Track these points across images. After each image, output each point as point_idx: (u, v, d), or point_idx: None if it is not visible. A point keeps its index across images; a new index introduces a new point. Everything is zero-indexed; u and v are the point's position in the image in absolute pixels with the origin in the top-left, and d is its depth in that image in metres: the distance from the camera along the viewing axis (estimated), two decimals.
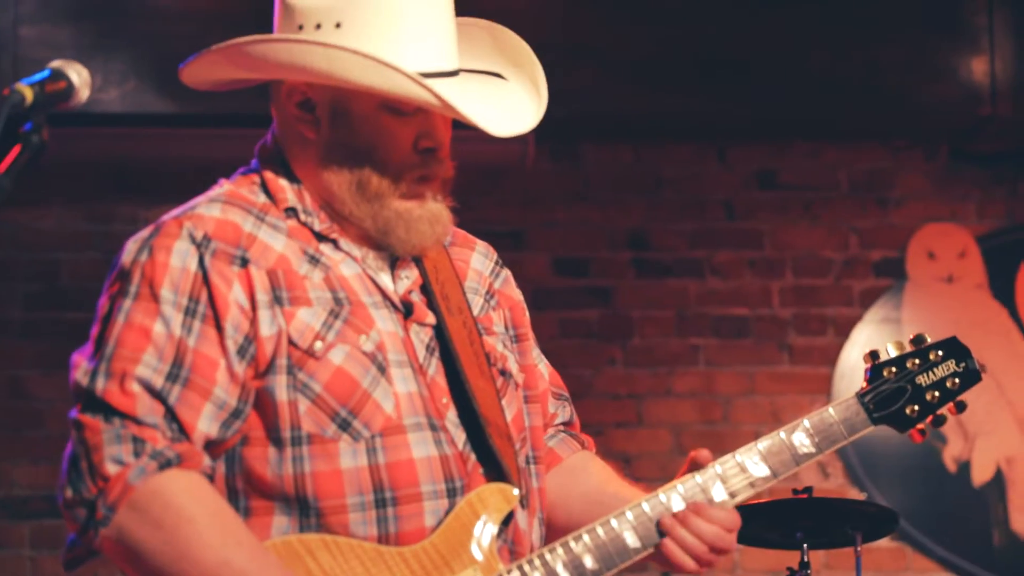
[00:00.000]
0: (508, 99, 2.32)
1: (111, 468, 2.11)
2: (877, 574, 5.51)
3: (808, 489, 4.34)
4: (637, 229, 5.80)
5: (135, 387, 2.15)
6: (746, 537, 4.64)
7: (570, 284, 5.72)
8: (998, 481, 5.57)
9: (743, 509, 4.47)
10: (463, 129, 2.35)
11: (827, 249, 5.77)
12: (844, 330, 5.70)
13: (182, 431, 2.16)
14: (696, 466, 2.35)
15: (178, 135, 5.49)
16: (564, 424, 2.61)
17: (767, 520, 4.34)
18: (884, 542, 5.54)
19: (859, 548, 4.37)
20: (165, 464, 2.12)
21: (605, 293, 5.78)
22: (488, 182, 5.55)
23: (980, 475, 5.59)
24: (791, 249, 5.77)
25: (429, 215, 2.30)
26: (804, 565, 4.29)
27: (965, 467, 5.59)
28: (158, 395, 2.15)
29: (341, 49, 2.20)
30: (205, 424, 2.17)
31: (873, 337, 5.64)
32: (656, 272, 5.78)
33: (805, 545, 4.29)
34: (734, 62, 5.33)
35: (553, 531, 2.41)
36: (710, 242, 5.78)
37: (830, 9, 5.38)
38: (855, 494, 5.53)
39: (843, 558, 5.17)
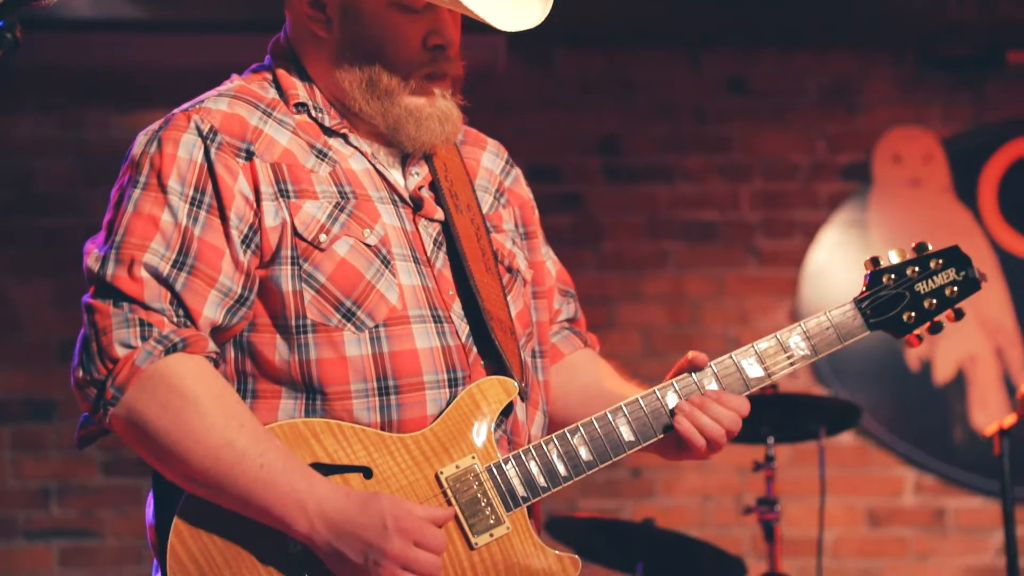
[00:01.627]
0: None
1: (119, 351, 2.19)
2: (841, 469, 5.65)
3: (773, 385, 4.45)
4: (608, 134, 5.84)
5: (143, 273, 2.21)
6: None
7: (541, 190, 5.66)
8: (960, 380, 5.71)
9: None
10: None
11: (795, 153, 5.84)
12: (811, 233, 5.79)
13: (188, 317, 2.23)
14: (693, 368, 2.40)
15: (148, 41, 5.46)
16: (568, 320, 2.67)
17: None
18: (847, 439, 5.68)
19: (822, 441, 4.50)
20: (171, 348, 2.19)
21: (576, 198, 5.83)
22: (461, 89, 5.55)
23: (942, 374, 5.72)
24: (760, 154, 5.83)
25: (439, 113, 2.35)
26: (769, 459, 4.41)
27: (927, 366, 5.72)
28: (165, 282, 2.22)
29: None
30: (211, 311, 2.24)
31: (839, 240, 5.73)
32: (627, 177, 5.83)
33: (771, 439, 4.40)
34: None
35: (552, 425, 2.48)
36: (680, 147, 5.83)
37: None
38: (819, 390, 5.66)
39: (808, 454, 5.31)
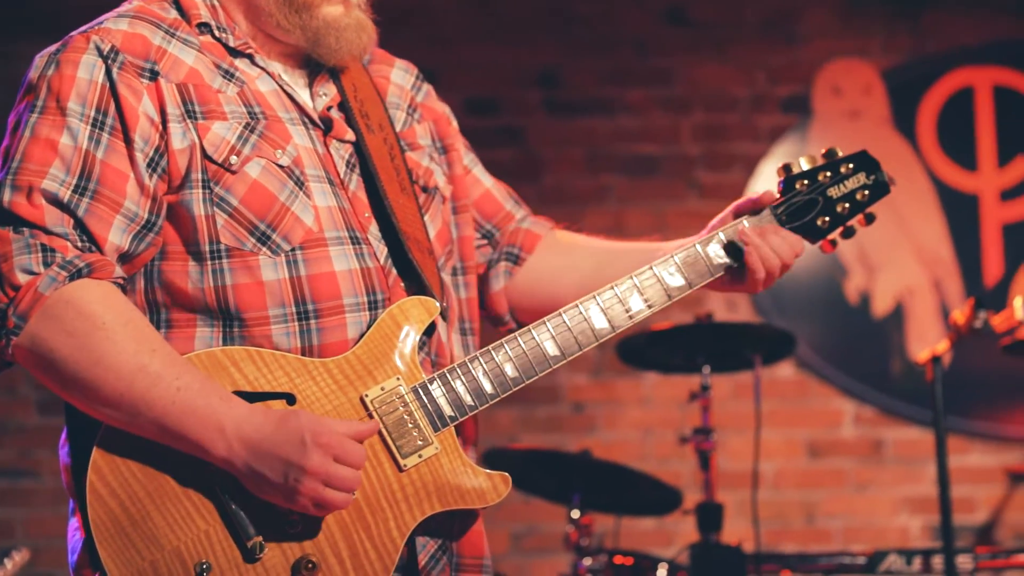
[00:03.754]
0: None
1: (21, 277, 2.12)
2: (781, 401, 5.68)
3: (709, 314, 4.44)
4: (548, 68, 5.80)
5: (42, 200, 2.15)
6: (650, 362, 4.76)
7: (481, 124, 5.72)
8: (898, 312, 5.74)
9: (650, 336, 4.54)
10: None
11: (735, 86, 5.81)
12: (751, 166, 5.78)
13: (93, 243, 2.17)
14: (754, 208, 2.44)
15: None
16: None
17: (670, 345, 4.44)
18: (788, 372, 5.71)
19: (759, 371, 4.50)
20: (76, 274, 2.13)
21: (516, 133, 5.79)
22: (397, 22, 5.49)
23: (881, 306, 5.75)
24: (700, 86, 5.80)
25: (355, 23, 2.33)
26: (704, 388, 4.41)
27: (866, 299, 5.75)
28: (66, 208, 2.16)
29: None
30: (116, 236, 2.18)
31: None
32: (567, 111, 5.79)
33: (706, 368, 4.40)
34: None
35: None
36: (621, 80, 5.80)
37: None
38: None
39: (747, 388, 5.33)
